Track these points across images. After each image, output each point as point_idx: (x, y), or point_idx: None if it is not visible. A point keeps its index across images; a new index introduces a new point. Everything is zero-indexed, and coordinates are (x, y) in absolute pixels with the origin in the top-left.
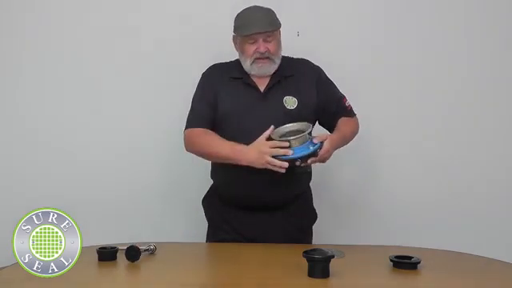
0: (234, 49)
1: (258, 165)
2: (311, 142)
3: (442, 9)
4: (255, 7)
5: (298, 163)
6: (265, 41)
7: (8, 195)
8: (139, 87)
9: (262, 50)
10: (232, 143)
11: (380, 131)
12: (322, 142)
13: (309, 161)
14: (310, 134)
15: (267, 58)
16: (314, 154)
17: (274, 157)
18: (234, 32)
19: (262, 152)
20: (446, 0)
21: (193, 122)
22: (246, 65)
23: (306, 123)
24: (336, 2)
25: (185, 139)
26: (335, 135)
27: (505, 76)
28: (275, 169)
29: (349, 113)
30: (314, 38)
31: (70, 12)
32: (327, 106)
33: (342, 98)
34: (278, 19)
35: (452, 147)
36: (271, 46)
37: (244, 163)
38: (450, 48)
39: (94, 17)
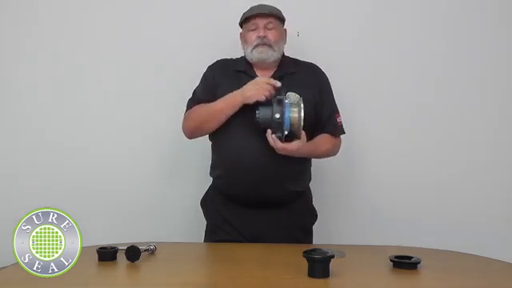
0: (236, 50)
1: (255, 92)
2: None
3: (442, 10)
4: (261, 3)
5: (277, 116)
6: (265, 28)
7: (8, 195)
8: (139, 87)
9: (262, 34)
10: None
11: (380, 131)
12: None
13: (277, 133)
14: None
15: (267, 45)
16: (294, 123)
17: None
18: (239, 24)
19: (257, 82)
20: (446, 2)
21: (190, 105)
22: (248, 52)
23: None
24: (336, 2)
25: (183, 122)
26: (308, 143)
27: (496, 77)
28: (271, 84)
29: (336, 129)
30: (314, 38)
31: (71, 12)
32: (319, 115)
33: (335, 112)
34: (281, 14)
35: (453, 147)
36: (271, 34)
37: (239, 100)
38: (448, 49)
39: (95, 17)
